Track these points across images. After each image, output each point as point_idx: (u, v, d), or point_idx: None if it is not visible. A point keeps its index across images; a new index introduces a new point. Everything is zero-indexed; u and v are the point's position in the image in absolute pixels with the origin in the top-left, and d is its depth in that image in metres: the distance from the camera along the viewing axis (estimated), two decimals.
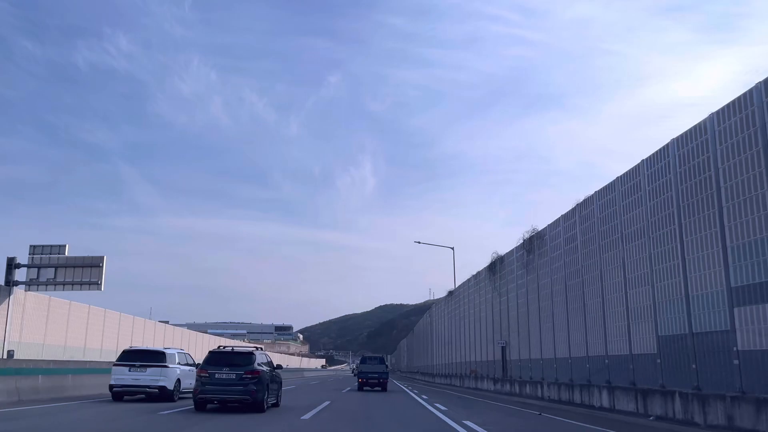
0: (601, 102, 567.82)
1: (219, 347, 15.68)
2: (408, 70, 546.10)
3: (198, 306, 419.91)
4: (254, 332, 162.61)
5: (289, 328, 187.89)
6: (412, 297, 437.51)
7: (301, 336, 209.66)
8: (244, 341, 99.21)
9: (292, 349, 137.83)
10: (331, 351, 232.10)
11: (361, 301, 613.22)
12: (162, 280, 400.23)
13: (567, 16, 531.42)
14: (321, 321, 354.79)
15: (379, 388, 29.98)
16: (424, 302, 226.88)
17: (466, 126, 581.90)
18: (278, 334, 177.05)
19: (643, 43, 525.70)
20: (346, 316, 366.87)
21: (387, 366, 31.60)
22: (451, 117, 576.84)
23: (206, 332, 73.78)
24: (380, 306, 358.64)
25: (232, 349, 15.86)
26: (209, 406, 14.86)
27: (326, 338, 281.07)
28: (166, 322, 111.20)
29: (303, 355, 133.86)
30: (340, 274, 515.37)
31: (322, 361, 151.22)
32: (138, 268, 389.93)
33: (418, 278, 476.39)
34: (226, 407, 15.00)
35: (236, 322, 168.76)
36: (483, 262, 33.05)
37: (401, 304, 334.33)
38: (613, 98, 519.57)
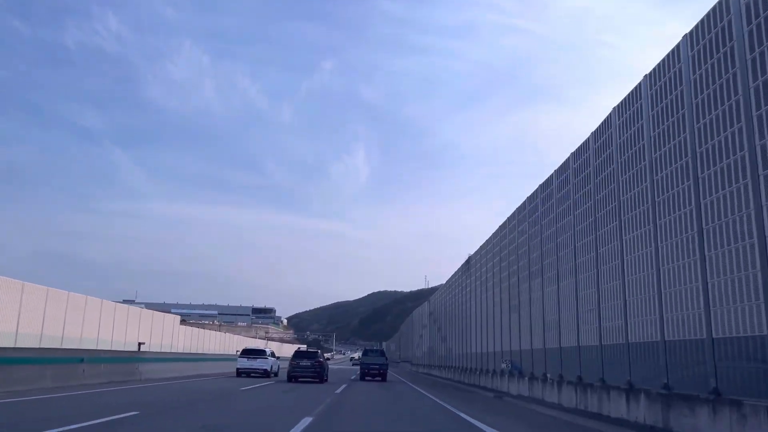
0: (597, 94, 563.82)
1: (299, 348, 31.22)
2: (403, 58, 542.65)
3: (184, 291, 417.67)
4: (227, 314, 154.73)
5: (271, 310, 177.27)
6: (407, 285, 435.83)
7: (285, 320, 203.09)
8: (213, 322, 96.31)
9: (272, 334, 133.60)
10: (308, 334, 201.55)
11: (354, 288, 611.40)
12: (150, 265, 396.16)
13: (564, 7, 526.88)
14: (312, 308, 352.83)
15: (380, 378, 32.80)
16: (419, 290, 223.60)
17: (461, 116, 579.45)
18: (256, 317, 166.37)
19: (640, 36, 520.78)
20: (337, 302, 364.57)
21: (386, 358, 35.21)
22: (446, 107, 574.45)
23: (169, 311, 70.72)
24: (373, 293, 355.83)
25: (307, 348, 31.51)
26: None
27: (316, 324, 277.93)
28: (132, 301, 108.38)
29: (284, 341, 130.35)
30: (332, 262, 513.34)
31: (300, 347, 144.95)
32: (126, 253, 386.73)
33: (413, 266, 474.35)
34: (297, 381, 26.15)
35: (208, 303, 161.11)
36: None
37: (395, 291, 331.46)
38: (609, 90, 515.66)
